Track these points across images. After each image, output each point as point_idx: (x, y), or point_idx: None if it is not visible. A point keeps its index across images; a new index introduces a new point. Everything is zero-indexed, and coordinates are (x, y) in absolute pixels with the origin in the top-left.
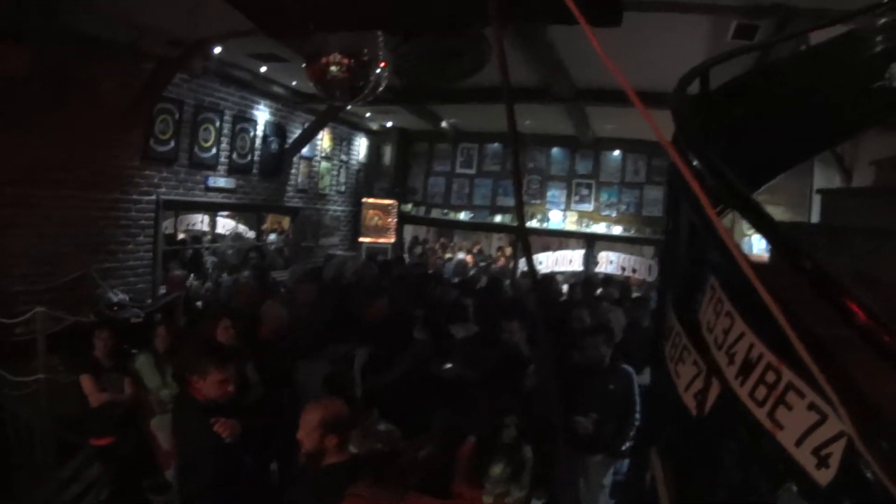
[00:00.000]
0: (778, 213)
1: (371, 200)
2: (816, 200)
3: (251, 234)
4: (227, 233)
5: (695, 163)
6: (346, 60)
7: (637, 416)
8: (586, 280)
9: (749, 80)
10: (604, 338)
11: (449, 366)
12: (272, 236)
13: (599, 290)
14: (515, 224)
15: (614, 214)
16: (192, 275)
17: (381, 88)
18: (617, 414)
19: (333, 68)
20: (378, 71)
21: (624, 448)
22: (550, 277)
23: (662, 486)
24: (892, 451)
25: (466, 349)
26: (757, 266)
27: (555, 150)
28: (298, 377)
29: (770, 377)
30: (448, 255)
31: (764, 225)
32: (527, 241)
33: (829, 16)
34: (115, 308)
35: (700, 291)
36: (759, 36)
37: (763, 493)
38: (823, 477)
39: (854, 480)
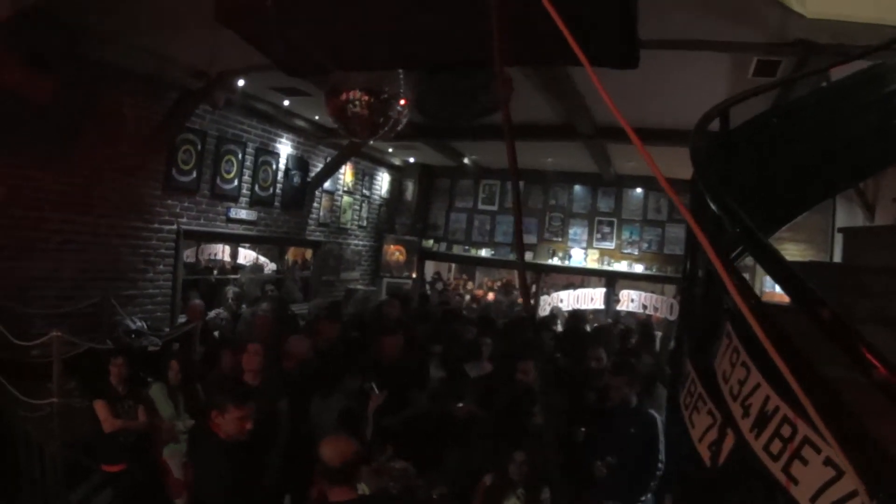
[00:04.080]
0: (800, 250)
1: (392, 236)
2: (838, 238)
3: (272, 266)
4: (248, 264)
5: (712, 206)
6: (366, 97)
7: (661, 463)
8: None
9: (771, 117)
10: (627, 379)
11: (461, 405)
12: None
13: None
14: (517, 260)
15: (636, 252)
16: (212, 305)
17: (401, 125)
18: (637, 459)
19: (353, 105)
20: (398, 108)
21: (644, 497)
22: (580, 316)
23: None
24: None
25: (479, 388)
26: (778, 307)
27: (577, 188)
28: (312, 411)
29: (786, 431)
30: (468, 292)
31: (779, 271)
32: (524, 277)
33: (849, 52)
34: (133, 335)
35: (716, 339)
36: (780, 72)
37: None
38: None
39: None
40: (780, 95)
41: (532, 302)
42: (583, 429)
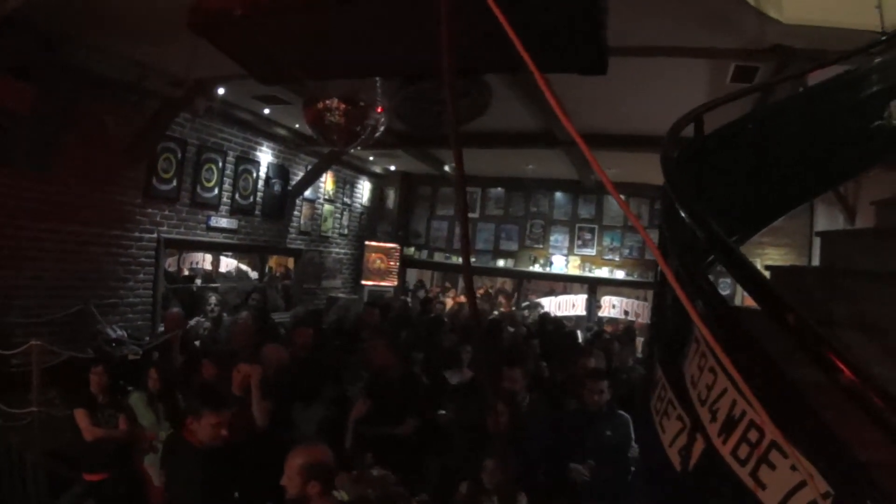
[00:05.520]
0: (781, 255)
1: (374, 244)
2: (818, 242)
3: (254, 275)
4: (230, 272)
5: (681, 212)
6: (342, 106)
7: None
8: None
9: (747, 122)
10: (608, 382)
11: (443, 412)
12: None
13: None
14: (462, 264)
15: (617, 259)
16: (193, 314)
17: (378, 133)
18: (614, 461)
19: (330, 113)
20: (375, 116)
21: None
22: (559, 322)
23: None
24: None
25: (460, 395)
26: (754, 312)
27: (558, 195)
28: (294, 419)
29: (753, 435)
30: (448, 300)
31: (745, 275)
32: (470, 282)
33: (826, 57)
34: (114, 344)
35: (686, 344)
36: (758, 78)
37: None
38: None
39: None
40: (758, 100)
41: (513, 308)
42: (591, 462)
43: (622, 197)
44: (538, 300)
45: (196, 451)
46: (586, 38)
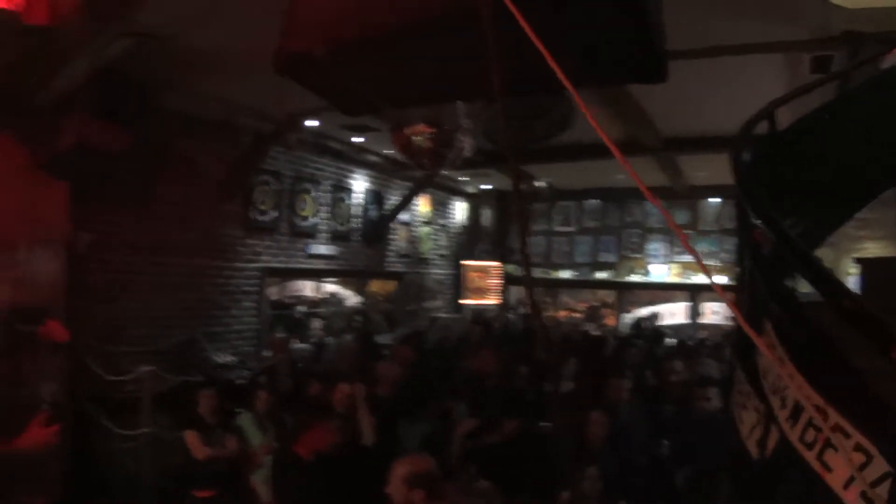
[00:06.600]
0: (880, 247)
1: (472, 263)
2: None
3: (356, 299)
4: (331, 297)
5: (748, 210)
6: (428, 130)
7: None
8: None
9: (824, 112)
10: (715, 390)
11: (545, 423)
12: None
13: None
14: (524, 275)
15: (717, 264)
16: (296, 339)
17: (466, 154)
18: (721, 466)
19: (417, 138)
20: (461, 137)
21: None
22: (660, 332)
23: None
24: None
25: (561, 406)
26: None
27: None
28: (400, 435)
29: (818, 420)
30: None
31: (803, 264)
32: (533, 293)
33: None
34: (222, 369)
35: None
36: (834, 66)
37: None
38: None
39: None
40: (838, 88)
41: (615, 322)
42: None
43: (713, 200)
44: (653, 310)
45: (305, 465)
46: (639, 48)
